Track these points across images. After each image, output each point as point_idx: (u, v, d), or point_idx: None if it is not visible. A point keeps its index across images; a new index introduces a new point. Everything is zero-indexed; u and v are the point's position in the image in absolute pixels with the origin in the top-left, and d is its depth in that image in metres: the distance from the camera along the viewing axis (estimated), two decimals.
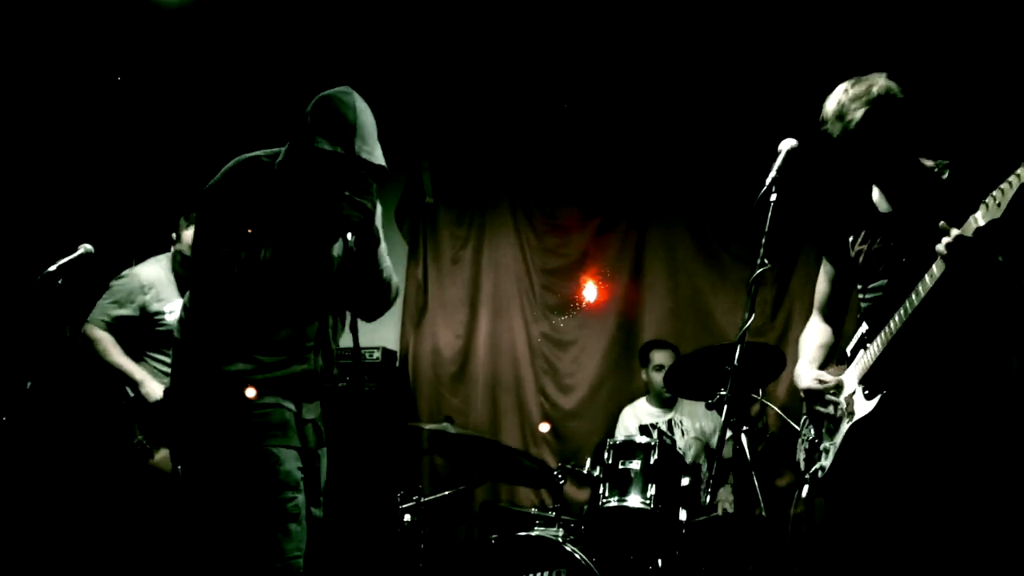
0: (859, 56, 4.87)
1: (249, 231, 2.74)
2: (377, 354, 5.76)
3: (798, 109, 4.94)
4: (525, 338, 5.94)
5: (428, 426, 4.89)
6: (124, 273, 4.24)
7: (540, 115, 5.90)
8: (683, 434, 5.08)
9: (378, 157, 2.79)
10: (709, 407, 3.75)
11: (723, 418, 2.63)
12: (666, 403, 5.16)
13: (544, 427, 5.65)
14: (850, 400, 2.70)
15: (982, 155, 2.64)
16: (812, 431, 2.90)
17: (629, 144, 5.79)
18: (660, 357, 5.13)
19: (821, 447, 2.81)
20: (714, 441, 5.06)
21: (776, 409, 4.67)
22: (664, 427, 5.10)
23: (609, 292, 5.82)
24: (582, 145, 5.88)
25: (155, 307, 4.18)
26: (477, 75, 5.74)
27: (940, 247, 2.34)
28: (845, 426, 2.68)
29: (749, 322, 2.59)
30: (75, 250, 3.91)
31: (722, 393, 2.58)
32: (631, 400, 5.43)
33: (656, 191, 5.78)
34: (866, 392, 2.65)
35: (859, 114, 2.58)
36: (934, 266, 2.41)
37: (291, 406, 2.85)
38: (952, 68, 4.63)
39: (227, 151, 2.99)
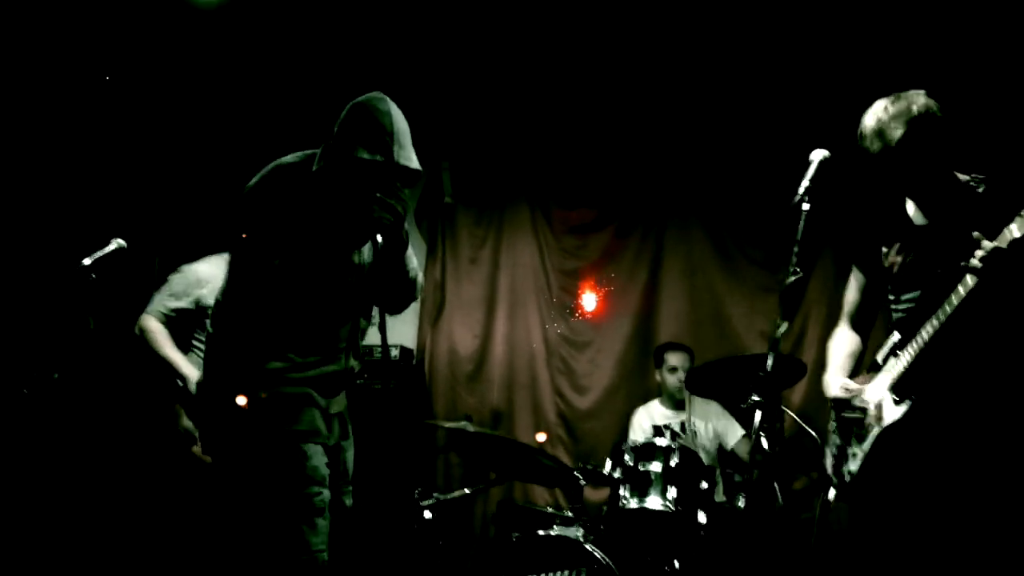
0: (878, 64, 4.97)
1: (287, 234, 2.80)
2: (395, 352, 5.81)
3: (816, 114, 5.12)
4: (542, 338, 5.99)
5: (447, 424, 4.94)
6: (181, 268, 4.31)
7: (560, 116, 5.95)
8: (696, 435, 5.12)
9: (415, 162, 2.85)
10: (743, 410, 3.80)
11: (756, 424, 2.67)
12: (679, 404, 5.21)
13: (541, 437, 5.68)
14: (879, 407, 2.75)
15: (1016, 170, 2.69)
16: (840, 437, 2.94)
17: (648, 147, 5.83)
18: (674, 359, 5.18)
19: (849, 452, 2.86)
20: (727, 442, 5.10)
21: (792, 415, 4.70)
22: (677, 428, 5.15)
23: (626, 294, 5.87)
24: (602, 147, 5.92)
25: (208, 300, 4.22)
26: (498, 76, 5.78)
27: (974, 260, 2.40)
28: (874, 432, 2.73)
29: (782, 329, 2.64)
30: (108, 244, 3.95)
31: (754, 399, 2.64)
32: (646, 401, 5.48)
33: (674, 194, 5.82)
34: (895, 399, 2.70)
35: (899, 133, 2.64)
36: (968, 277, 2.46)
37: (322, 402, 2.91)
38: (986, 82, 4.66)
39: (262, 151, 3.05)
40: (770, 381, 2.61)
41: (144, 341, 4.14)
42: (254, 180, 2.90)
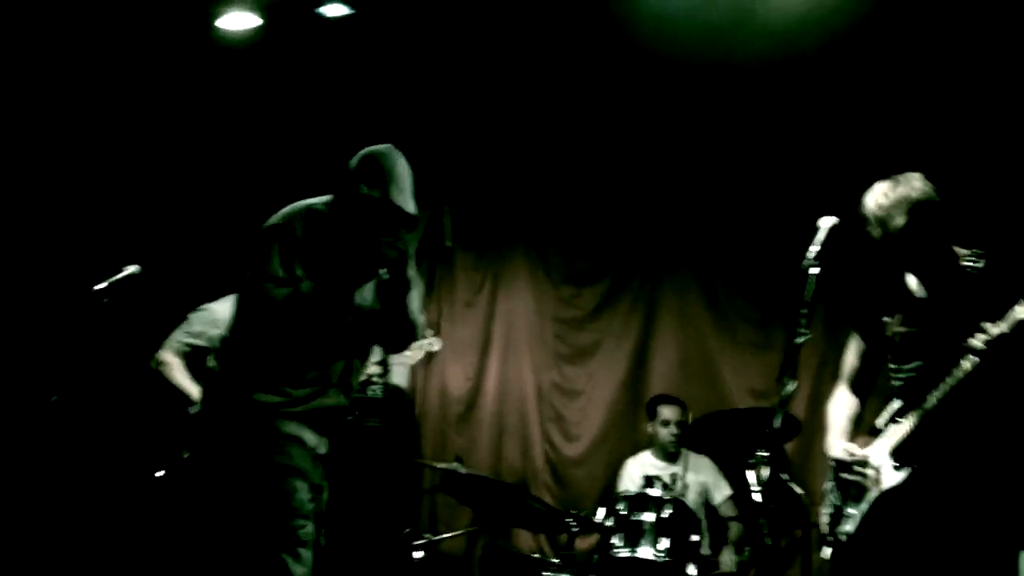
0: (872, 130, 5.17)
1: (297, 271, 2.96)
2: (376, 390, 5.85)
3: (814, 178, 5.29)
4: (534, 384, 6.06)
5: (439, 465, 4.99)
6: (202, 307, 4.55)
7: (562, 166, 6.08)
8: (686, 488, 5.18)
9: (411, 206, 3.06)
10: (748, 467, 3.87)
11: (765, 477, 2.76)
12: (670, 457, 5.26)
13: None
14: (879, 471, 2.86)
15: (1015, 248, 2.84)
16: (837, 497, 3.04)
17: (648, 200, 5.95)
18: (668, 412, 5.23)
19: (845, 513, 2.95)
20: (713, 497, 5.17)
21: (784, 476, 4.79)
22: (667, 480, 5.21)
23: (619, 345, 5.96)
24: (602, 198, 6.04)
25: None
26: (503, 123, 5.94)
27: (980, 339, 2.52)
28: (873, 494, 2.84)
29: (790, 387, 2.74)
30: (122, 270, 4.02)
31: (761, 454, 2.73)
32: (634, 451, 5.55)
33: (671, 248, 5.94)
34: (896, 464, 2.81)
35: (900, 221, 2.80)
36: (966, 359, 2.59)
37: (311, 438, 3.03)
38: (982, 159, 4.84)
39: (279, 194, 3.19)
40: (778, 437, 2.70)
41: (159, 373, 4.37)
42: (274, 217, 3.08)
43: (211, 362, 3.25)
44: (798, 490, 4.23)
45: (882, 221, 2.84)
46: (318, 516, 3.06)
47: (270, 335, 2.96)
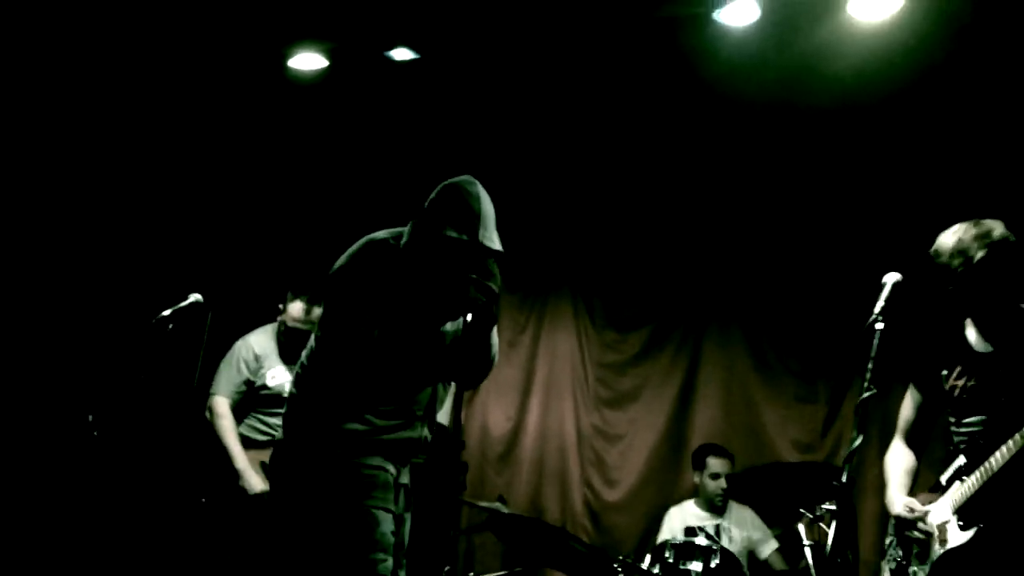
0: (916, 191, 5.20)
1: (378, 308, 2.93)
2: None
3: (867, 236, 5.31)
4: (575, 427, 6.06)
5: (482, 504, 5.00)
6: (239, 345, 4.63)
7: (610, 213, 6.14)
8: (730, 541, 5.15)
9: (497, 243, 3.04)
10: (813, 521, 3.87)
11: (833, 533, 2.77)
12: (715, 509, 5.23)
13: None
14: (943, 528, 2.85)
15: None
16: (900, 552, 3.03)
17: (695, 249, 5.99)
18: (717, 465, 5.20)
19: (909, 571, 2.94)
20: (760, 552, 5.14)
21: (823, 527, 4.76)
22: (711, 531, 5.18)
23: (662, 392, 5.96)
24: (649, 245, 6.08)
25: (263, 374, 4.55)
26: (554, 166, 6.01)
27: None
28: (937, 552, 2.83)
29: (857, 443, 2.75)
30: (186, 298, 4.11)
31: (828, 507, 2.74)
32: (676, 498, 5.53)
33: (717, 300, 5.95)
34: (961, 523, 2.81)
35: (981, 253, 2.82)
36: None
37: (393, 470, 3.01)
38: None
39: (340, 229, 3.22)
40: (846, 491, 2.71)
41: (213, 425, 4.47)
42: (346, 256, 3.05)
43: (290, 388, 3.19)
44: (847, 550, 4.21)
45: (962, 252, 2.86)
46: (398, 548, 3.05)
47: (355, 371, 2.96)
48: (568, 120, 5.49)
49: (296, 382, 3.13)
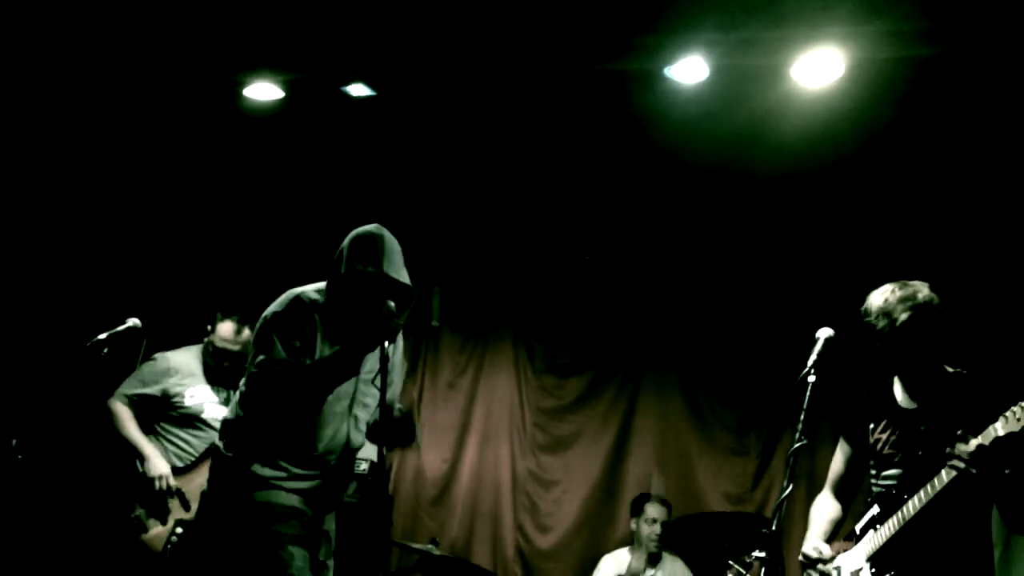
0: (856, 249, 5.39)
1: (300, 354, 3.12)
2: (364, 466, 5.83)
3: (802, 291, 5.47)
4: (510, 472, 6.06)
5: (415, 545, 4.96)
6: (155, 356, 4.53)
7: (553, 259, 6.22)
8: None
9: (405, 277, 3.25)
10: (745, 567, 3.91)
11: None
12: (651, 558, 5.25)
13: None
14: (856, 575, 2.93)
15: (998, 370, 2.98)
16: None
17: (635, 299, 6.09)
18: (655, 511, 5.23)
19: None
20: None
21: None
22: None
23: (598, 439, 6.00)
24: (591, 293, 6.16)
25: (176, 390, 4.47)
26: (501, 210, 6.09)
27: (960, 451, 2.64)
28: None
29: (787, 491, 2.81)
30: (123, 323, 4.05)
31: (758, 555, 2.79)
32: (609, 546, 5.55)
33: (655, 348, 6.05)
34: (873, 570, 2.89)
35: (904, 316, 2.92)
36: (943, 472, 2.70)
37: (311, 513, 3.13)
38: (974, 282, 5.04)
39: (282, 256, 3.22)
40: (775, 539, 2.77)
41: (110, 422, 4.37)
42: (270, 308, 3.23)
43: (216, 441, 3.30)
44: None
45: (887, 313, 2.95)
46: None
47: (276, 414, 3.11)
48: (516, 165, 5.58)
49: (221, 433, 3.26)
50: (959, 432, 2.69)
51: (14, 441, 4.10)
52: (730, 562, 4.59)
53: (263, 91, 4.64)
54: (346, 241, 3.27)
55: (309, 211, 5.88)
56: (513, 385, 6.24)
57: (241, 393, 3.22)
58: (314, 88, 4.59)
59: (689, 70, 4.32)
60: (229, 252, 5.94)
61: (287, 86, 4.59)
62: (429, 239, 6.20)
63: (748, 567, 4.39)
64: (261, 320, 3.22)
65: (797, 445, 2.93)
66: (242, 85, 4.57)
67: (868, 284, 3.36)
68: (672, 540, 4.98)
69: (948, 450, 2.71)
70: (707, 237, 5.85)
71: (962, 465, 2.66)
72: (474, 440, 6.17)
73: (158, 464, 4.28)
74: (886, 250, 5.21)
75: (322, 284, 3.28)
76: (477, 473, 6.11)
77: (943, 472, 2.73)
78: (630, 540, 5.38)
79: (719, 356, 5.87)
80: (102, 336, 3.94)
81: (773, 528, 2.77)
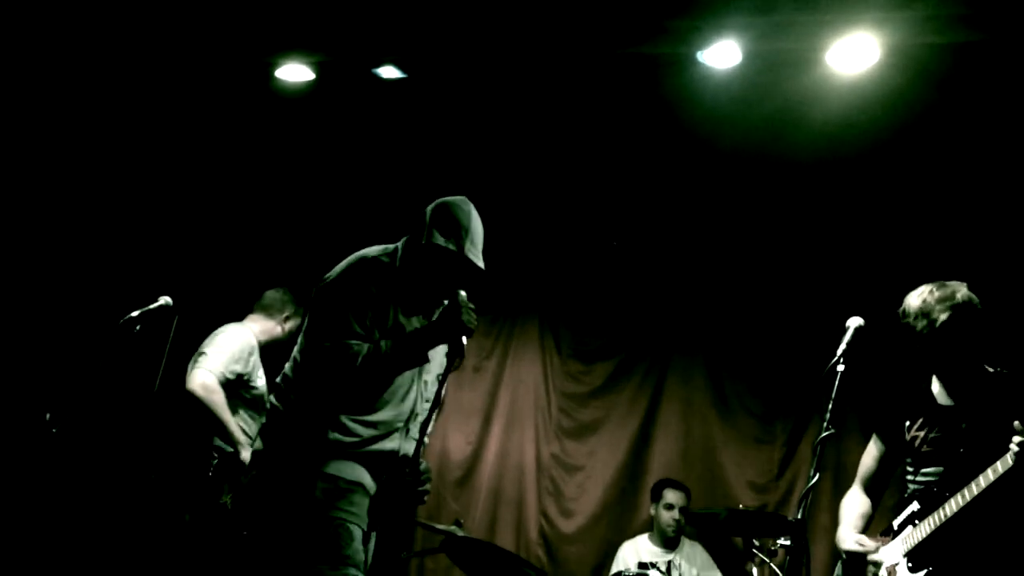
0: (888, 238, 5.32)
1: (374, 327, 2.94)
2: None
3: (833, 280, 5.41)
4: (534, 456, 6.06)
5: (439, 526, 4.97)
6: (239, 330, 4.42)
7: (581, 244, 6.19)
8: None
9: (480, 261, 3.10)
10: (769, 555, 3.89)
11: (787, 569, 2.80)
12: (668, 543, 5.26)
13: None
14: (893, 570, 2.90)
15: None
16: None
17: (663, 285, 6.06)
18: (673, 497, 5.25)
19: None
20: None
21: (774, 567, 4.80)
22: (663, 567, 5.19)
23: (623, 425, 5.99)
24: (618, 278, 6.14)
25: (255, 371, 4.40)
26: (530, 193, 6.06)
27: (1014, 444, 2.60)
28: None
29: (814, 481, 2.79)
30: (156, 300, 4.08)
31: (784, 543, 2.78)
32: (631, 532, 5.54)
33: (682, 335, 6.02)
34: (911, 565, 2.86)
35: (944, 316, 2.89)
36: (999, 462, 2.66)
37: (371, 484, 3.01)
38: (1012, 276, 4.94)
39: (321, 239, 3.20)
40: (801, 527, 2.75)
41: (203, 401, 4.20)
42: (337, 270, 3.06)
43: (271, 399, 3.13)
44: None
45: (926, 314, 2.92)
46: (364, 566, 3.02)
47: (341, 382, 2.93)
48: (546, 149, 5.55)
49: (278, 395, 3.10)
50: (1015, 427, 2.64)
51: (48, 415, 4.16)
52: (753, 550, 4.57)
53: (294, 72, 4.65)
54: (431, 208, 3.12)
55: (339, 192, 5.90)
56: (539, 369, 6.23)
57: (305, 360, 3.02)
58: (345, 70, 4.59)
59: (722, 54, 4.28)
60: (261, 232, 5.96)
61: (318, 68, 4.59)
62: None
63: (772, 555, 4.37)
64: (327, 287, 3.02)
65: (824, 435, 2.90)
66: (274, 66, 4.58)
67: (901, 273, 3.33)
68: (693, 528, 4.96)
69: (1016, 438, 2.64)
70: (737, 223, 5.80)
71: (1013, 459, 2.61)
72: (499, 424, 6.17)
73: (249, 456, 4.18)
74: (920, 239, 5.15)
75: (390, 246, 3.12)
76: (501, 456, 6.11)
77: (989, 470, 2.69)
78: (650, 526, 5.38)
79: (746, 343, 5.83)
80: (134, 314, 3.98)
81: (800, 515, 2.75)
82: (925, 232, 5.19)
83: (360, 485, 2.97)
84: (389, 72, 4.53)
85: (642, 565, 5.17)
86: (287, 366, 3.14)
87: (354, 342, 2.92)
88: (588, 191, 5.92)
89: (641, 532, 5.49)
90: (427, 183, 5.67)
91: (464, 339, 2.95)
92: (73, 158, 5.22)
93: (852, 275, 5.37)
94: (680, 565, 5.22)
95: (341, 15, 4.26)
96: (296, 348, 3.12)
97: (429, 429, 3.03)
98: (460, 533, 4.80)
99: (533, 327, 6.32)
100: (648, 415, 6.00)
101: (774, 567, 4.78)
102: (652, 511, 5.35)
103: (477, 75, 4.72)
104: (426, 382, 3.14)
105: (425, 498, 3.23)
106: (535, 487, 6.02)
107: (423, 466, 3.15)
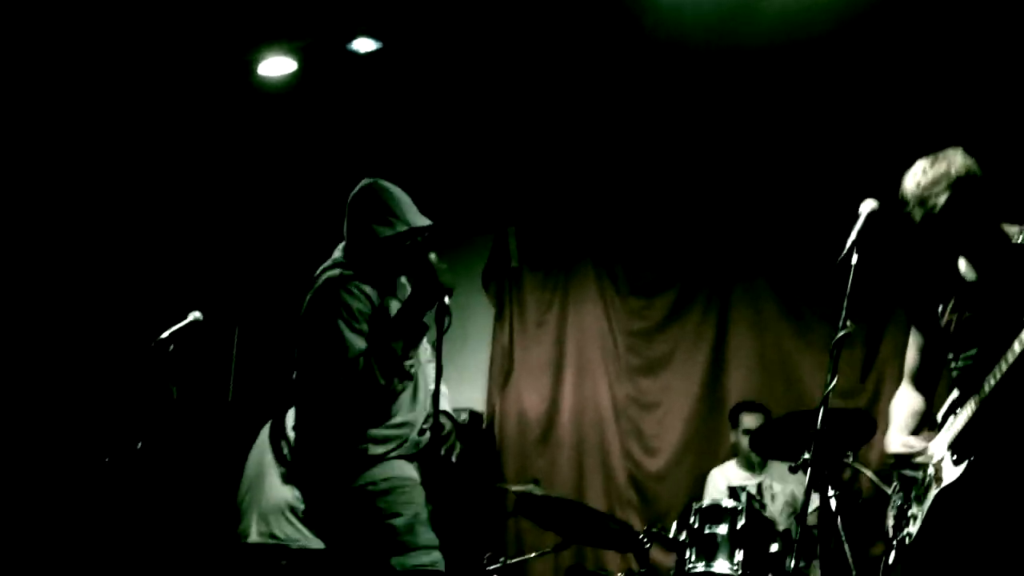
0: (931, 110, 4.94)
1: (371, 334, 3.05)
2: (464, 416, 5.86)
3: (880, 165, 5.03)
4: (610, 400, 5.96)
5: (514, 488, 4.95)
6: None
7: (624, 178, 6.03)
8: (773, 498, 5.01)
9: (424, 219, 3.20)
10: (792, 470, 3.73)
11: (807, 483, 2.63)
12: (756, 466, 5.10)
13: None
14: (939, 466, 2.68)
15: None
16: (901, 497, 2.87)
17: (713, 206, 5.84)
18: (749, 420, 5.07)
19: (909, 513, 2.78)
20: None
21: (869, 474, 4.57)
22: (754, 490, 5.02)
23: (694, 354, 5.82)
24: (666, 207, 5.96)
25: None
26: (564, 139, 5.93)
27: None
28: (933, 492, 2.66)
29: (832, 385, 2.62)
30: (186, 317, 4.13)
31: (805, 456, 2.60)
32: (719, 462, 5.40)
33: (740, 253, 5.79)
34: (954, 458, 2.63)
35: (942, 199, 2.60)
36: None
37: (414, 473, 3.15)
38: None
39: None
40: (821, 438, 2.57)
41: None
42: (313, 299, 3.15)
43: (296, 441, 3.29)
44: (888, 492, 4.03)
45: (923, 200, 2.64)
46: None
47: (348, 399, 3.04)
48: (553, 92, 5.41)
49: (302, 438, 3.22)
50: None
51: (139, 445, 4.27)
52: (843, 460, 4.36)
53: (276, 66, 4.63)
54: (350, 210, 3.22)
55: (336, 189, 5.86)
56: (600, 313, 6.11)
57: (320, 393, 3.12)
58: (324, 54, 4.53)
59: None
60: (261, 231, 5.97)
61: (299, 55, 4.54)
62: (495, 184, 6.12)
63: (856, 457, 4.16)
64: (308, 320, 3.13)
65: (841, 334, 2.73)
66: (255, 63, 4.56)
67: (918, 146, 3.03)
68: (769, 445, 4.76)
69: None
70: (764, 130, 5.52)
71: None
72: (570, 374, 6.10)
73: None
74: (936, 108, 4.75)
75: (332, 263, 3.21)
76: (578, 407, 6.04)
77: (1016, 342, 2.45)
78: (735, 452, 5.22)
79: (805, 250, 5.53)
80: (165, 335, 4.04)
81: (818, 425, 2.56)
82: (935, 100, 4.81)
83: (399, 478, 3.08)
84: (365, 45, 4.44)
85: (732, 491, 5.02)
86: (291, 413, 3.36)
87: (360, 358, 3.00)
88: (610, 129, 5.74)
89: (729, 458, 5.34)
90: (451, 152, 5.63)
91: (447, 299, 3.00)
92: (64, 162, 5.27)
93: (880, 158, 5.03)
94: (771, 486, 5.07)
95: None
96: (297, 392, 3.23)
97: (441, 398, 3.09)
98: (538, 492, 4.77)
99: (588, 271, 6.20)
100: (718, 340, 5.81)
101: (869, 473, 4.56)
102: (733, 437, 5.21)
103: (458, 29, 4.57)
104: (428, 375, 3.25)
105: (454, 457, 3.34)
106: (615, 430, 5.93)
107: (446, 429, 3.24)
